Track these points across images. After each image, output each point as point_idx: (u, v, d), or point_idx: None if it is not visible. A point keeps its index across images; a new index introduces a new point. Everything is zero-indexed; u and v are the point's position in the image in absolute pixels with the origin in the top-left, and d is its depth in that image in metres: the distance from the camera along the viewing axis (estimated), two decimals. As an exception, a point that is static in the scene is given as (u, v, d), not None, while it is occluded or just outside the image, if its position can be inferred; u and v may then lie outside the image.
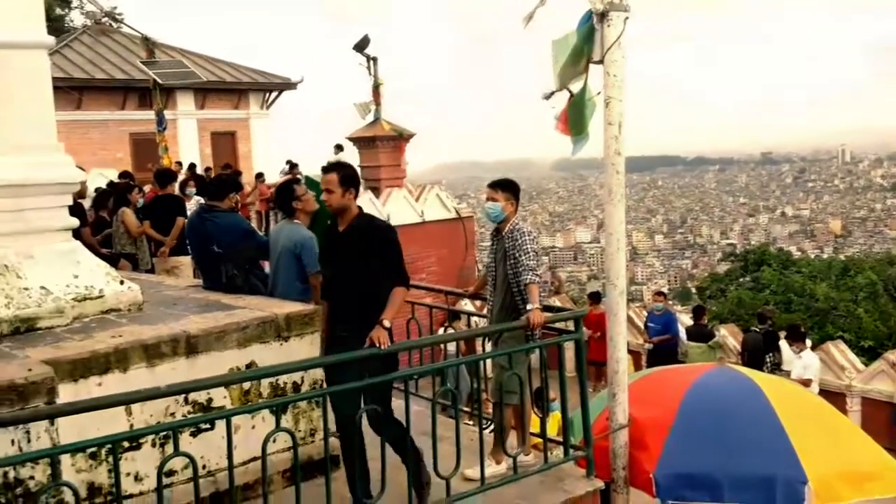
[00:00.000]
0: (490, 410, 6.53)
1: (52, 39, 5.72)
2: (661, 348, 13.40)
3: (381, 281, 4.63)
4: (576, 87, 5.50)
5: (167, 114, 19.05)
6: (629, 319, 14.32)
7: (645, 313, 15.23)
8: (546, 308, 5.63)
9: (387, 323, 4.48)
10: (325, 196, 4.75)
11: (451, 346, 10.49)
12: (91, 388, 4.37)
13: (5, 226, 5.31)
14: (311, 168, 20.76)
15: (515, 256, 5.50)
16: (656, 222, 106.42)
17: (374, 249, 4.66)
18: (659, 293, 15.95)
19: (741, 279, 34.52)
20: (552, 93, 5.54)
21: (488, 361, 6.51)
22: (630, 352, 10.20)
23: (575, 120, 5.53)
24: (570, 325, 5.68)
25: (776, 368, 12.33)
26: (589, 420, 5.50)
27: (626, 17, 5.21)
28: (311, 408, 5.32)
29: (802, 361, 11.56)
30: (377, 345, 4.38)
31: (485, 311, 6.12)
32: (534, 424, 5.95)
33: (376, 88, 18.02)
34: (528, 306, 5.31)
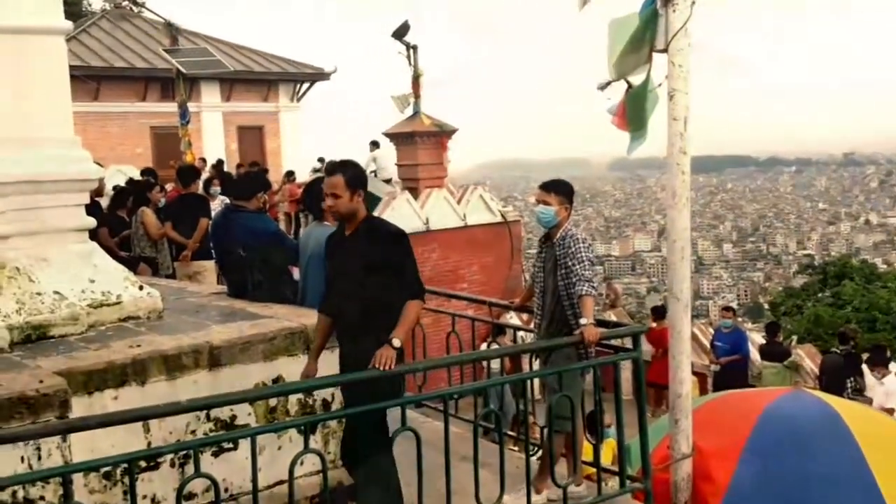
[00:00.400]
0: (537, 436, 6.51)
1: (69, 24, 5.82)
2: (730, 370, 13.25)
3: (392, 293, 4.51)
4: (636, 77, 5.46)
5: (191, 106, 19.31)
6: (694, 337, 14.14)
7: (712, 331, 15.07)
8: (601, 323, 5.59)
9: (396, 342, 4.34)
10: (330, 201, 4.63)
11: (495, 364, 10.46)
12: (106, 401, 4.44)
13: (18, 225, 5.42)
14: (344, 166, 20.91)
15: (568, 265, 5.47)
16: (724, 229, 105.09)
17: (384, 257, 4.55)
18: (727, 308, 15.78)
19: (820, 294, 34.02)
20: (608, 83, 5.50)
21: (535, 381, 6.49)
22: (695, 373, 10.07)
23: (634, 114, 5.49)
24: (628, 343, 5.62)
25: (858, 394, 12.09)
26: (648, 448, 5.44)
27: (693, 2, 5.16)
28: (343, 428, 5.34)
29: (885, 388, 11.33)
30: (378, 366, 4.26)
31: (532, 326, 6.10)
32: (586, 452, 5.91)
33: (416, 79, 18.04)
34: (581, 321, 5.27)
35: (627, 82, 5.47)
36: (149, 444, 4.50)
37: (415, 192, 17.48)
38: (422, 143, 17.87)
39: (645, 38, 5.28)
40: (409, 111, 18.17)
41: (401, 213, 16.14)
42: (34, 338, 5.06)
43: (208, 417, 4.80)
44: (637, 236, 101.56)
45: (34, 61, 5.49)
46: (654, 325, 13.45)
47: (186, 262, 9.90)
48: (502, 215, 18.45)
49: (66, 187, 5.62)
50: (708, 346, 14.47)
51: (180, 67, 17.36)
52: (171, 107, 19.22)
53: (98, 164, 6.66)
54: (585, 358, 5.40)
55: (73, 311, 5.24)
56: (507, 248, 18.16)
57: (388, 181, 20.09)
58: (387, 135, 18.63)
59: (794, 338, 17.65)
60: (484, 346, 9.01)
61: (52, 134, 5.57)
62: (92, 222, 5.89)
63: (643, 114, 5.44)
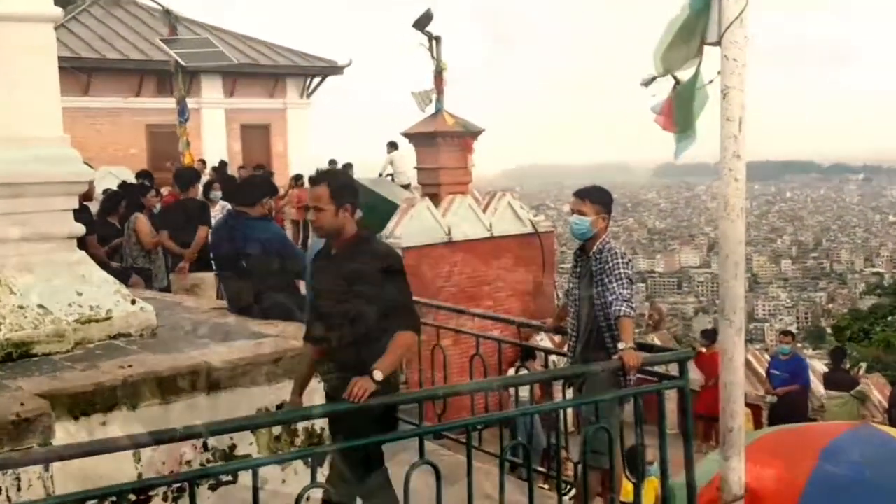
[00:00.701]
0: (570, 472, 6.48)
1: (58, 11, 5.88)
2: (788, 401, 13.16)
3: (380, 322, 4.43)
4: (685, 73, 5.45)
5: (190, 102, 19.43)
6: (748, 364, 14.05)
7: (768, 357, 14.96)
8: (643, 347, 5.57)
9: (377, 374, 4.25)
10: (312, 215, 4.59)
11: (524, 391, 10.44)
12: (94, 427, 4.47)
13: (-1, 232, 5.47)
14: (359, 170, 21.02)
15: (604, 282, 5.47)
16: (783, 244, 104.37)
17: (373, 282, 4.45)
18: (785, 333, 15.68)
19: (890, 318, 33.71)
20: (653, 78, 5.49)
21: (569, 411, 6.46)
22: (748, 404, 9.99)
23: (681, 113, 5.47)
24: (673, 370, 5.59)
25: (934, 431, 11.95)
26: (695, 488, 5.40)
27: (751, -11, 5.14)
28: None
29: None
30: (348, 397, 4.19)
31: (565, 349, 6.08)
32: (625, 492, 5.88)
33: (439, 74, 18.07)
34: (620, 345, 5.25)
35: (675, 78, 5.46)
36: (140, 475, 4.53)
37: (436, 199, 17.48)
38: (444, 144, 17.87)
39: (696, 29, 5.26)
40: (431, 109, 18.19)
41: (420, 221, 16.18)
42: (15, 356, 5.11)
43: (206, 446, 4.82)
44: (684, 250, 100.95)
45: (19, 52, 5.56)
46: (703, 350, 13.39)
47: (183, 273, 9.95)
48: (533, 225, 18.42)
49: (52, 190, 5.67)
50: (763, 374, 14.37)
51: (179, 59, 17.49)
52: (169, 103, 19.37)
53: (88, 164, 6.72)
54: (625, 386, 5.38)
55: (58, 327, 5.29)
56: (538, 262, 18.13)
57: (406, 186, 20.16)
58: (406, 135, 18.67)
59: (863, 366, 17.47)
60: (511, 372, 8.99)
61: (38, 131, 5.63)
62: (80, 229, 5.94)
63: (691, 113, 5.43)
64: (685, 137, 5.54)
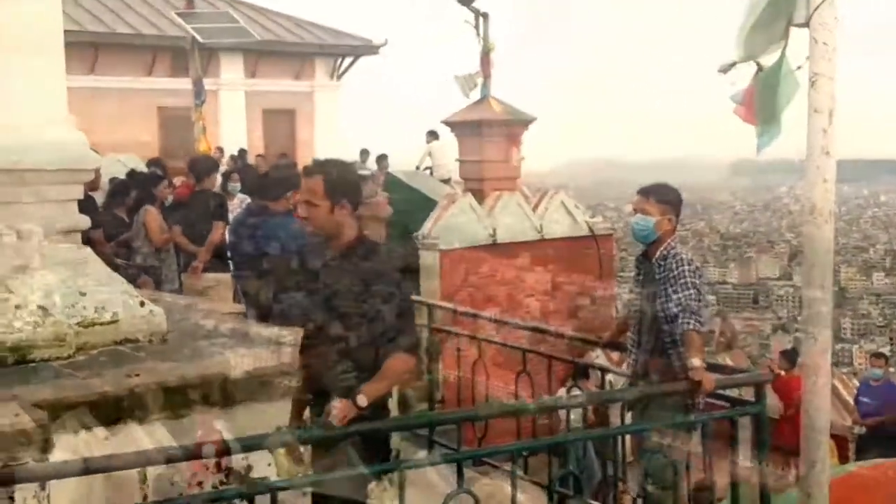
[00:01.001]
0: (629, 507, 6.45)
1: (65, -20, 5.96)
2: (879, 433, 12.99)
3: (373, 340, 4.40)
4: (769, 58, 5.42)
5: (207, 83, 19.59)
6: (833, 390, 13.91)
7: (856, 383, 14.80)
8: (712, 368, 5.53)
9: (361, 399, 4.24)
10: (304, 211, 4.50)
11: (576, 414, 10.41)
12: (96, 441, 4.52)
13: (-5, 224, 5.54)
14: (395, 162, 21.07)
15: (668, 292, 5.44)
16: (876, 254, 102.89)
17: (371, 294, 4.38)
18: (878, 355, 15.49)
19: None
20: (733, 63, 5.47)
21: (627, 438, 6.43)
22: (833, 436, 9.88)
23: (764, 103, 5.44)
24: (748, 394, 5.55)
25: None
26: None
27: (843, -36, 5.10)
28: (383, 487, 5.36)
29: None
30: (328, 420, 4.20)
31: (625, 367, 6.06)
32: (690, 531, 5.84)
33: (486, 55, 18.01)
34: (694, 361, 5.20)
35: (757, 64, 5.43)
36: (145, 496, 4.56)
37: (479, 196, 17.44)
38: (489, 134, 17.72)
39: (781, 9, 5.23)
40: (476, 95, 18.13)
41: (461, 220, 16.14)
42: (10, 361, 5.17)
43: (219, 467, 4.85)
44: (762, 259, 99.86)
45: (21, 24, 5.62)
46: (781, 372, 13.26)
47: (197, 274, 10.01)
48: (589, 227, 18.32)
49: (54, 178, 5.75)
50: (851, 402, 14.22)
51: (196, 35, 17.66)
52: (184, 83, 19.52)
53: (94, 150, 6.79)
54: (693, 410, 5.34)
55: (58, 330, 5.34)
56: (594, 269, 18.03)
57: (446, 181, 20.17)
58: (447, 123, 18.63)
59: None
60: (562, 392, 8.97)
61: (40, 113, 5.69)
62: (85, 222, 6.01)
63: (776, 103, 5.39)
64: (768, 130, 5.50)
